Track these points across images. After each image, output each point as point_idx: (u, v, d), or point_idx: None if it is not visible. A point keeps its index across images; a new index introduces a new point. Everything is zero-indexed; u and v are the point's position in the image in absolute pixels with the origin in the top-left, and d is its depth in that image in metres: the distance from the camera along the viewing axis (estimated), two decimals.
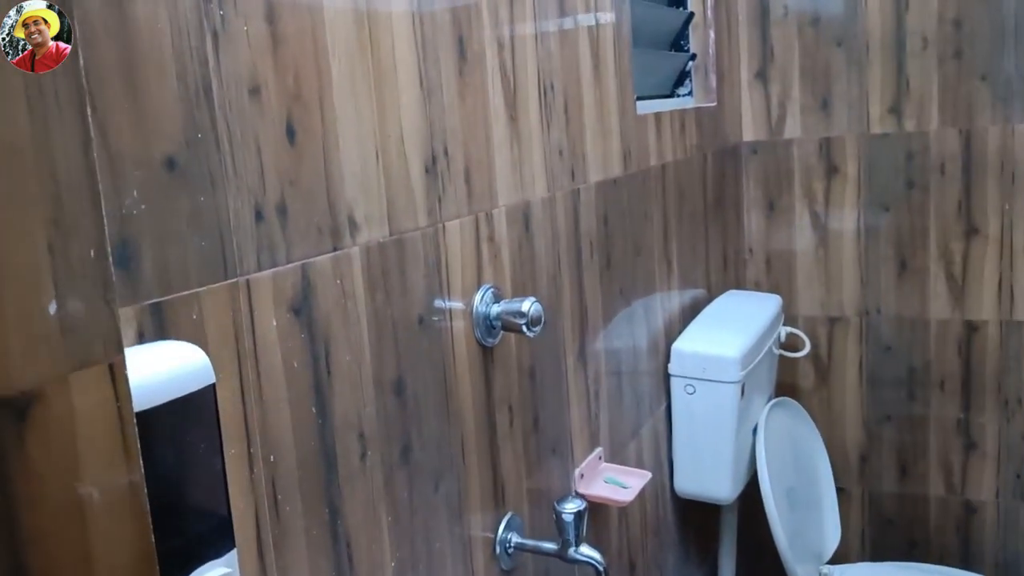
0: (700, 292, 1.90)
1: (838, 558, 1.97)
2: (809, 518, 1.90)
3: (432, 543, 0.91)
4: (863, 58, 2.08)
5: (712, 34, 1.96)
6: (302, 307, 0.72)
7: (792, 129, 2.19)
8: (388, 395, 0.84)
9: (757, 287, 2.29)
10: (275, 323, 0.69)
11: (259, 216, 0.67)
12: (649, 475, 1.33)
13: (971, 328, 2.09)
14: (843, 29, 2.08)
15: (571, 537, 1.02)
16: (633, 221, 1.50)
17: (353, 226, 0.79)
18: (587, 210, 1.32)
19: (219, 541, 0.53)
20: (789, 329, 2.07)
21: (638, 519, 1.53)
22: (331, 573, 0.75)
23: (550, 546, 1.04)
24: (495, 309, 1.00)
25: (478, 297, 1.00)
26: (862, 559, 2.26)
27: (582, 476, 1.27)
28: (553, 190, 1.20)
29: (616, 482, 1.32)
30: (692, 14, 1.91)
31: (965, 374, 2.12)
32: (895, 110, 2.07)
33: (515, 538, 1.05)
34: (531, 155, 1.14)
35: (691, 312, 1.81)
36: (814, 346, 2.23)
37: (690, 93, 1.99)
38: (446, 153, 0.94)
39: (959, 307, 2.09)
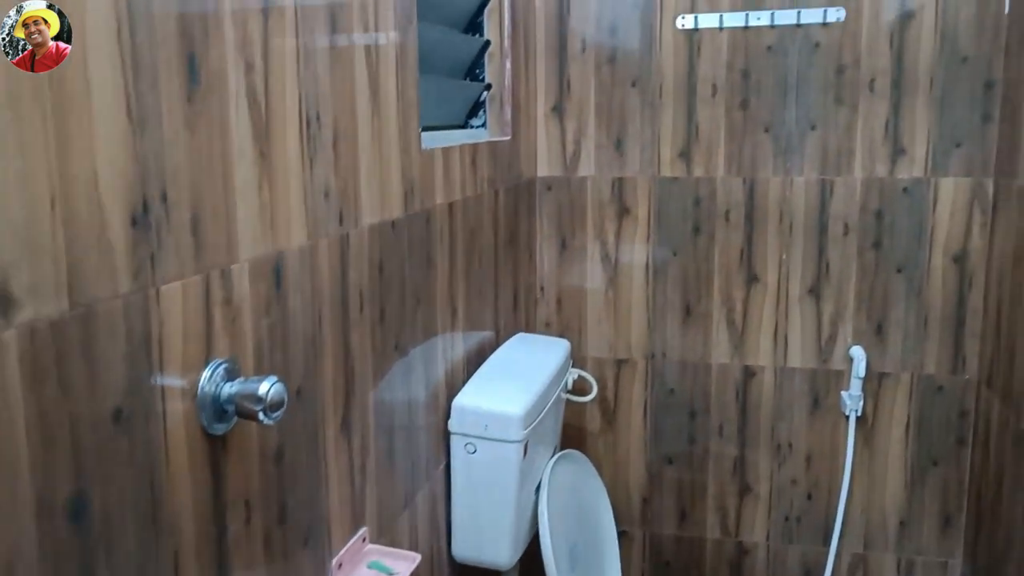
0: (488, 335, 1.78)
1: None
2: (591, 571, 1.83)
3: None
4: (656, 100, 2.06)
5: (508, 65, 1.86)
6: None
7: (586, 167, 2.14)
8: (59, 520, 0.64)
9: (548, 327, 2.22)
10: None
11: None
12: (419, 558, 1.19)
13: (749, 373, 2.12)
14: (639, 69, 2.06)
15: None
16: (414, 267, 1.35)
17: (7, 301, 0.58)
18: (358, 258, 1.15)
19: None
20: (578, 373, 2.01)
21: None
22: None
23: None
24: (227, 389, 0.82)
25: (205, 375, 0.81)
26: None
27: (340, 566, 1.10)
28: (315, 237, 1.03)
29: (381, 567, 1.16)
30: (488, 42, 1.80)
31: (742, 419, 2.15)
32: (685, 155, 2.07)
33: None
34: (287, 198, 0.96)
35: (477, 359, 1.69)
36: (601, 388, 2.19)
37: (484, 124, 1.88)
38: (164, 199, 0.75)
39: (739, 353, 2.12)
